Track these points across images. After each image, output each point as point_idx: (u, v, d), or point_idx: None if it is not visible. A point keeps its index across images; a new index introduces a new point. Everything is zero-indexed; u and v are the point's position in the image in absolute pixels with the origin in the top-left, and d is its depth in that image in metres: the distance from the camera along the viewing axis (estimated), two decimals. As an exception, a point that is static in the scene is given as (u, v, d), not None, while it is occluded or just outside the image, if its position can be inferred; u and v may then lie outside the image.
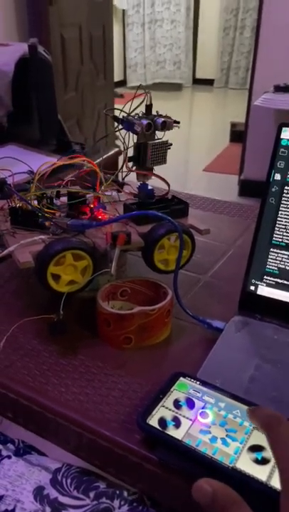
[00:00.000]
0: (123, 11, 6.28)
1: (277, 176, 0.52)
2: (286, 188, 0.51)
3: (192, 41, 6.49)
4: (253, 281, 0.53)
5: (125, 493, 0.39)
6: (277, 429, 0.30)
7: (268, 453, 0.35)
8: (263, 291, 0.53)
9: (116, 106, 0.55)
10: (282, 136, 0.51)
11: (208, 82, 6.59)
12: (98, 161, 0.60)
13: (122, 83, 6.33)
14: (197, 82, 6.72)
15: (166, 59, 6.50)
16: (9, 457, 0.42)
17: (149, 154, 0.56)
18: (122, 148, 0.57)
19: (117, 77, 5.47)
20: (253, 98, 2.50)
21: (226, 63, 6.44)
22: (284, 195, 0.51)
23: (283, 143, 0.51)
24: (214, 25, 6.32)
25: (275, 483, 0.33)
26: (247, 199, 2.73)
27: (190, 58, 6.55)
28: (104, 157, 1.47)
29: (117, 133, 0.57)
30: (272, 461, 0.34)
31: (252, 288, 0.53)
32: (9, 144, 1.35)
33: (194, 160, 3.69)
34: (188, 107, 5.82)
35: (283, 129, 0.51)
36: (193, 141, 4.26)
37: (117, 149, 1.68)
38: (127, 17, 6.28)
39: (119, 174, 0.60)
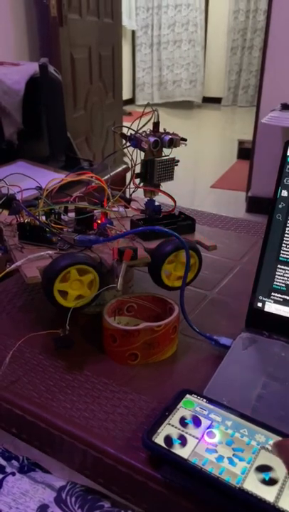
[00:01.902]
0: (133, 31, 6.42)
1: (284, 193, 0.52)
2: (293, 204, 0.51)
3: (201, 61, 6.60)
4: (261, 297, 0.53)
5: (130, 513, 0.39)
6: None
7: (276, 473, 0.34)
8: (271, 307, 0.52)
9: (124, 123, 0.56)
10: (288, 154, 0.51)
11: (216, 101, 6.67)
12: (106, 177, 0.61)
13: (131, 101, 6.43)
14: (205, 100, 6.80)
15: (169, 79, 6.60)
16: (13, 474, 0.42)
17: (156, 171, 0.56)
18: (130, 165, 0.58)
19: (126, 95, 5.56)
20: (261, 116, 2.52)
21: (233, 82, 6.54)
22: (291, 211, 0.51)
23: (290, 160, 0.51)
24: (222, 45, 6.43)
25: (283, 504, 0.32)
26: (254, 215, 2.73)
27: (198, 77, 6.64)
28: (112, 174, 1.49)
29: (125, 150, 0.57)
30: (281, 482, 0.33)
31: (259, 305, 0.53)
32: (19, 161, 1.37)
33: (202, 177, 3.71)
34: (196, 124, 5.88)
35: (290, 146, 0.52)
36: (201, 158, 4.29)
37: (124, 166, 1.70)
38: (136, 38, 6.42)
39: (127, 190, 0.61)
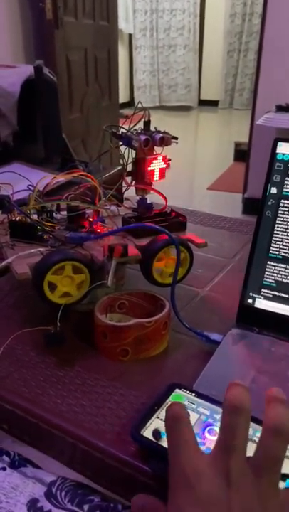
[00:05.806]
0: (129, 35, 6.44)
1: (274, 190, 0.52)
2: (282, 201, 0.52)
3: (197, 64, 6.63)
4: (251, 294, 0.53)
5: (119, 507, 0.39)
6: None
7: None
8: (261, 304, 0.53)
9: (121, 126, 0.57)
10: (277, 151, 0.52)
11: (213, 103, 6.69)
12: (100, 178, 0.61)
13: (129, 104, 6.45)
14: (202, 103, 6.83)
15: (176, 82, 6.63)
16: (4, 469, 0.42)
17: (147, 169, 0.57)
18: (123, 164, 0.58)
19: (124, 98, 5.58)
20: (256, 118, 2.53)
21: (230, 85, 6.56)
22: (280, 208, 0.52)
23: (279, 157, 0.52)
24: (218, 48, 6.46)
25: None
26: (251, 217, 2.73)
27: (195, 81, 6.67)
28: (108, 174, 1.50)
29: (117, 149, 0.58)
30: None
31: (249, 301, 0.53)
32: (14, 163, 1.38)
33: (199, 179, 3.73)
34: (194, 127, 5.90)
35: (279, 143, 0.52)
36: (198, 161, 4.30)
37: (120, 167, 1.70)
38: (135, 40, 6.44)
39: (123, 190, 0.61)
